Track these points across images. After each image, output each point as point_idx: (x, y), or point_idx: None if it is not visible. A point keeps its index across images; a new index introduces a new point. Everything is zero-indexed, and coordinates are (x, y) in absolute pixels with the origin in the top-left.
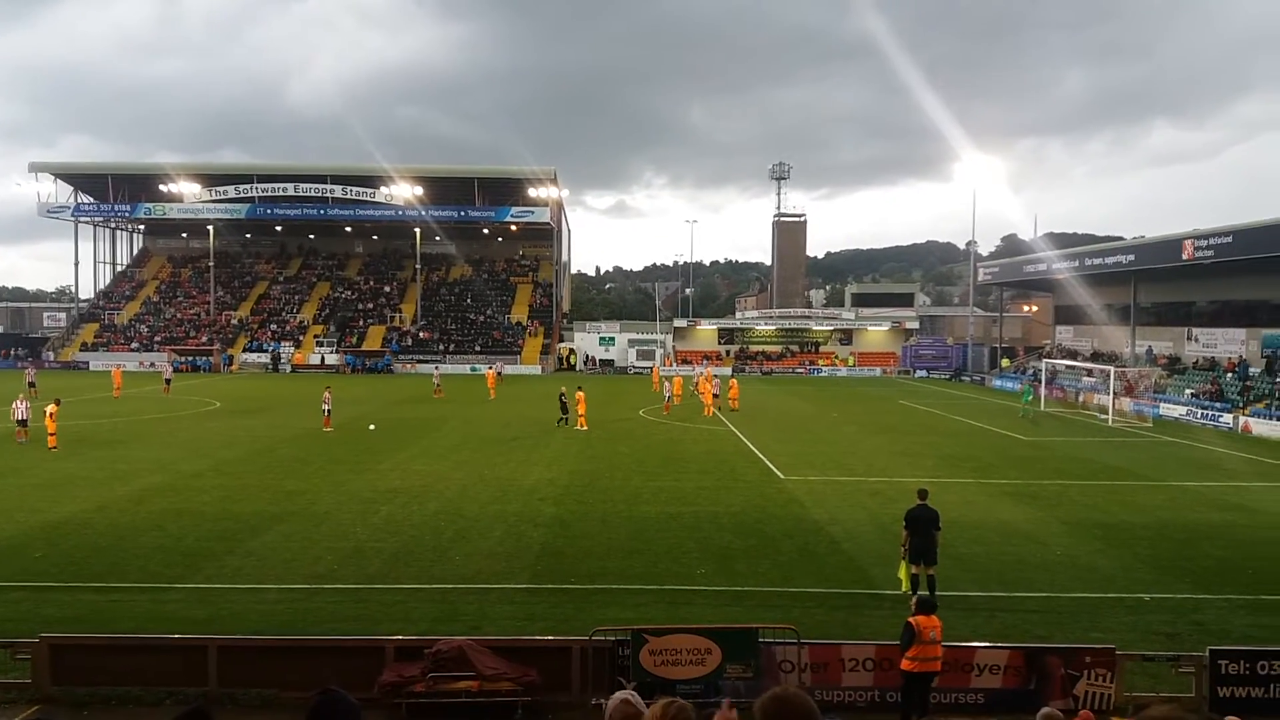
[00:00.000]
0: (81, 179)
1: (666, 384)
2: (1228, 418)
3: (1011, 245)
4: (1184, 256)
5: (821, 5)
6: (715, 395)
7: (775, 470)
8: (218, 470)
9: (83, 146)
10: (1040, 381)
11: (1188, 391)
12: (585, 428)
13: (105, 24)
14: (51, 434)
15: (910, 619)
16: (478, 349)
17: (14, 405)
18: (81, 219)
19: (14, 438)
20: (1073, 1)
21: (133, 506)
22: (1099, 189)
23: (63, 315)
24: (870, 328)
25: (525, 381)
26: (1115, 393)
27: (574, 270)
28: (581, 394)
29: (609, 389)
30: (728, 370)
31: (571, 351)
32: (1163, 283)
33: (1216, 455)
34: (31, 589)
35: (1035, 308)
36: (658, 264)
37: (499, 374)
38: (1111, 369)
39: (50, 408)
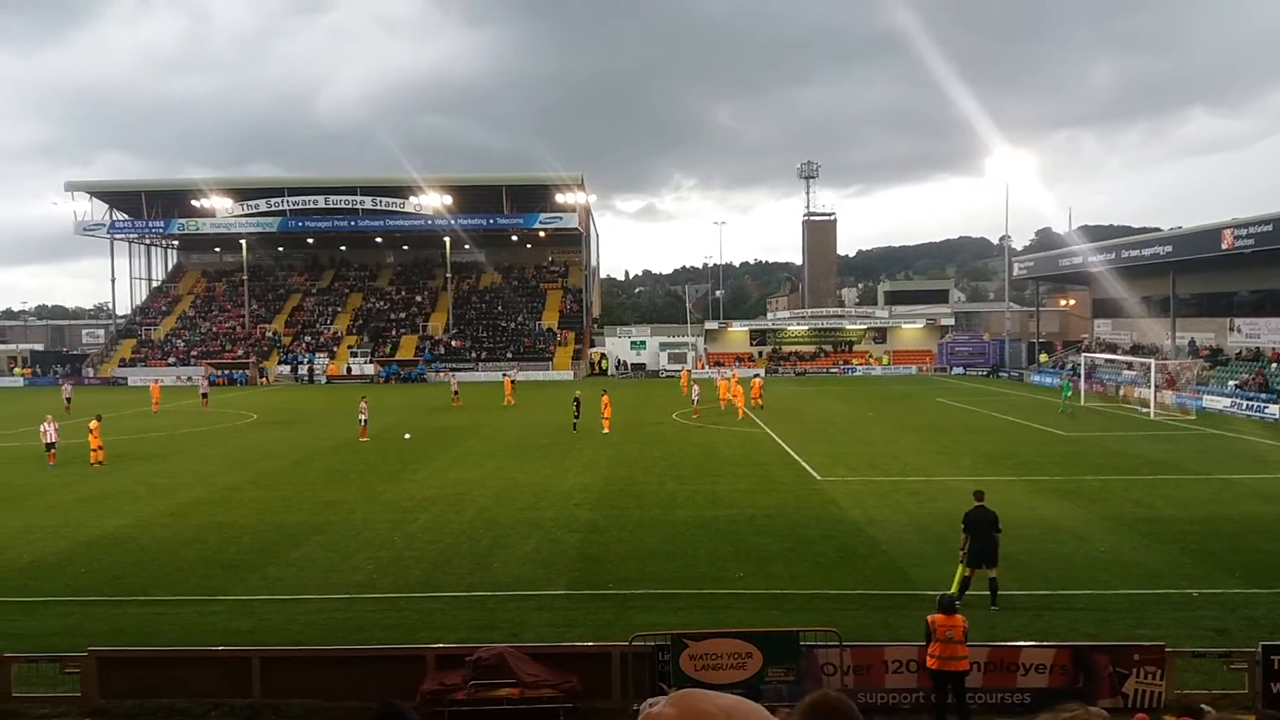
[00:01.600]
0: (116, 197)
1: (695, 387)
2: (1274, 409)
3: (1046, 239)
4: (1223, 246)
5: (845, 1)
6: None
7: (812, 471)
8: (256, 482)
9: (117, 164)
10: (1079, 376)
11: (1231, 383)
12: (608, 431)
13: (135, 43)
14: (94, 449)
15: (929, 617)
16: (509, 356)
17: (43, 428)
18: (117, 236)
19: (49, 457)
20: None
21: (174, 520)
22: (1134, 180)
23: (101, 332)
24: (905, 325)
25: (557, 387)
26: (1157, 386)
27: (603, 275)
28: (606, 398)
29: (641, 393)
30: (758, 371)
31: (603, 356)
32: (1202, 273)
33: (1263, 447)
34: (78, 603)
35: (1072, 301)
36: (687, 266)
37: (514, 381)
38: (1152, 361)
39: (92, 424)
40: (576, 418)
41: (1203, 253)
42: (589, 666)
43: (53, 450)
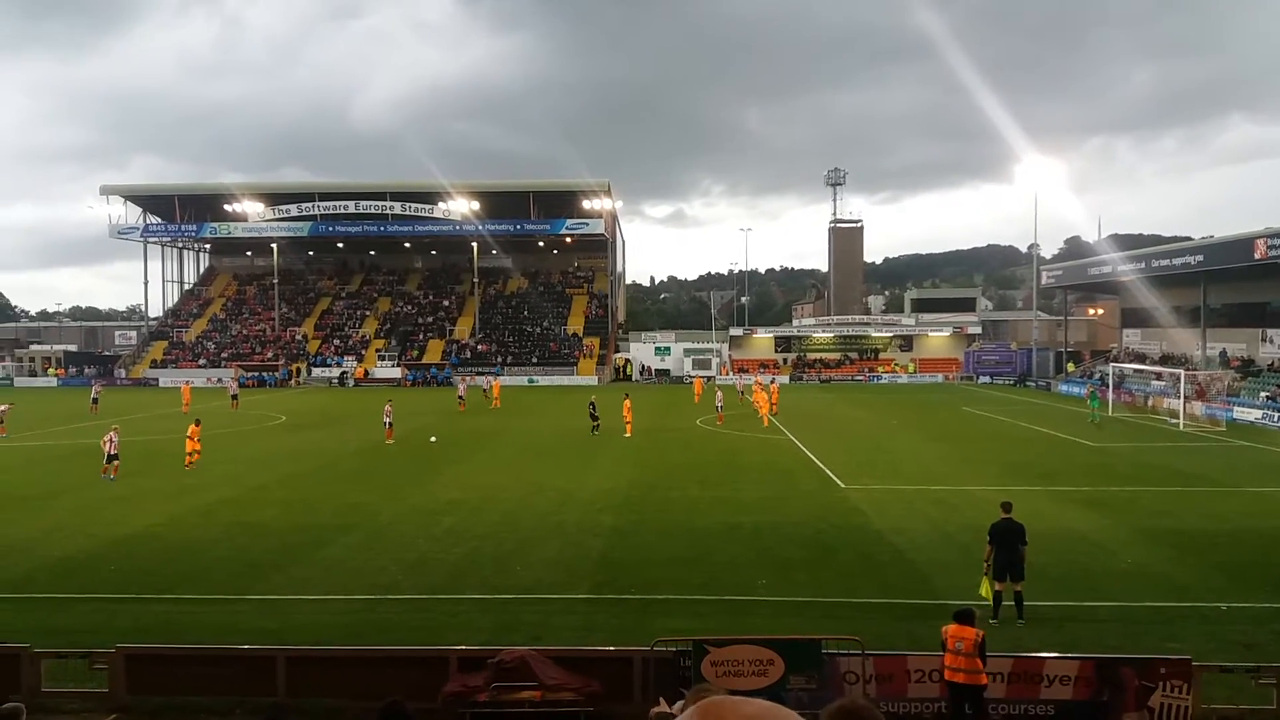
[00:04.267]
0: (150, 200)
1: (719, 393)
2: None
3: (1075, 248)
4: (1256, 256)
5: (876, 5)
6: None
7: (835, 479)
8: (283, 484)
9: (152, 167)
10: (1107, 386)
11: (1263, 394)
12: (630, 435)
13: (170, 48)
14: (194, 452)
15: (944, 627)
16: (534, 361)
17: (106, 438)
18: (150, 239)
19: (99, 459)
20: None
21: (202, 519)
22: (1168, 188)
23: (133, 333)
24: (931, 333)
25: (582, 392)
26: (1186, 396)
27: (629, 280)
28: (628, 402)
29: (665, 398)
30: (774, 377)
31: (628, 362)
32: (1234, 283)
33: None
34: (106, 600)
35: (1101, 311)
36: (713, 273)
37: (502, 384)
38: (1182, 372)
39: (192, 428)
40: (595, 421)
41: (1234, 262)
42: (610, 671)
43: (115, 462)
